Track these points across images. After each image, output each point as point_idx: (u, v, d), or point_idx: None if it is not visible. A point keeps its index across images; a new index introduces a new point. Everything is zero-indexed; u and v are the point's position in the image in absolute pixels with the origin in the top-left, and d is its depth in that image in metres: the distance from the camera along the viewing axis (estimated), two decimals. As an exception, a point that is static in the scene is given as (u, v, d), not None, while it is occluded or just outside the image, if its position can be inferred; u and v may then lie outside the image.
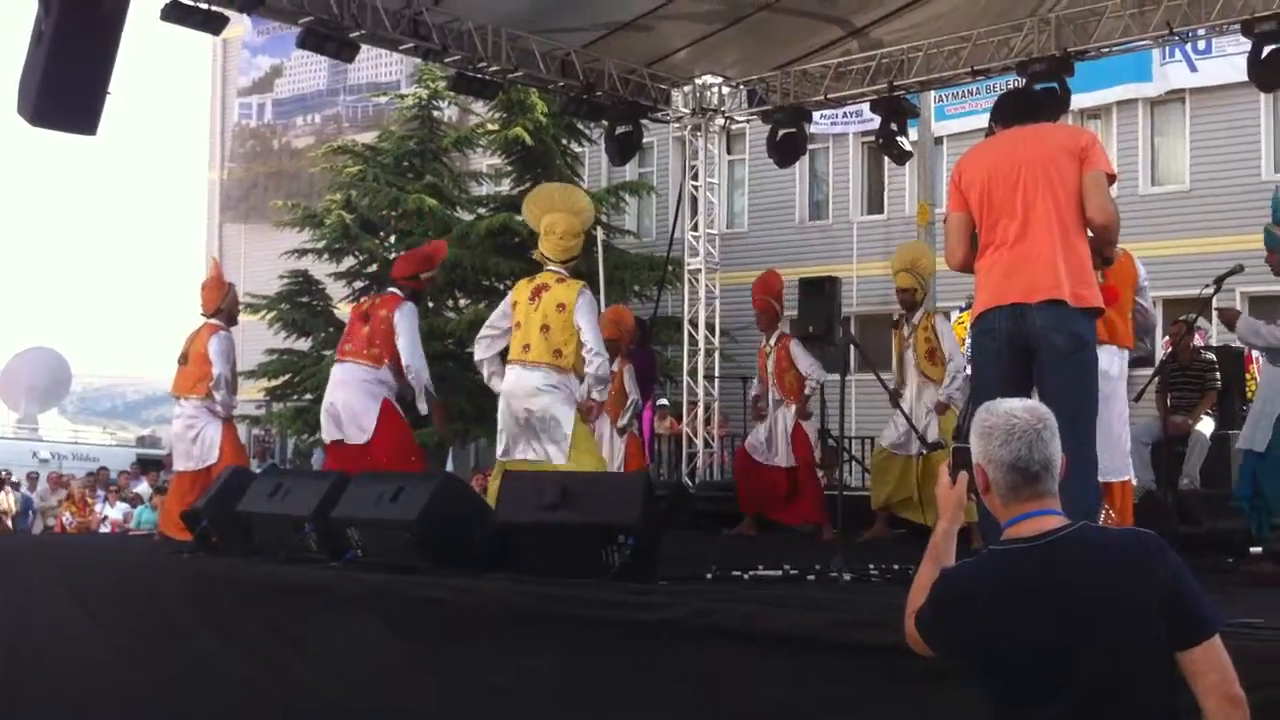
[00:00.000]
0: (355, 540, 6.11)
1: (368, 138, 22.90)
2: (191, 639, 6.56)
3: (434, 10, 10.41)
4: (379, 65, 26.51)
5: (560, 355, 6.76)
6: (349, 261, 20.82)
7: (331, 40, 10.02)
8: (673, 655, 4.85)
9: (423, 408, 7.69)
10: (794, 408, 9.23)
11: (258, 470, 9.92)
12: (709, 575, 5.85)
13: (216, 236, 31.67)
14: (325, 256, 20.79)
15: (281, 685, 6.04)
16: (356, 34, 10.09)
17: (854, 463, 12.06)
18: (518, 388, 6.77)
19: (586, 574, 5.39)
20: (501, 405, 6.90)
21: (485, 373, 7.14)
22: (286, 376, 21.01)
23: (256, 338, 23.18)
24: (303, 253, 20.98)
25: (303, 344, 21.08)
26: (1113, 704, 2.71)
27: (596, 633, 5.06)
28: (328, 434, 7.84)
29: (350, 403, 7.60)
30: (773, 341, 9.34)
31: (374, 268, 20.02)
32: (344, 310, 17.61)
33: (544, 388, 6.72)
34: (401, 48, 10.84)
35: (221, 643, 6.44)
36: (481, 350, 7.17)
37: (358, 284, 20.37)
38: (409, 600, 5.67)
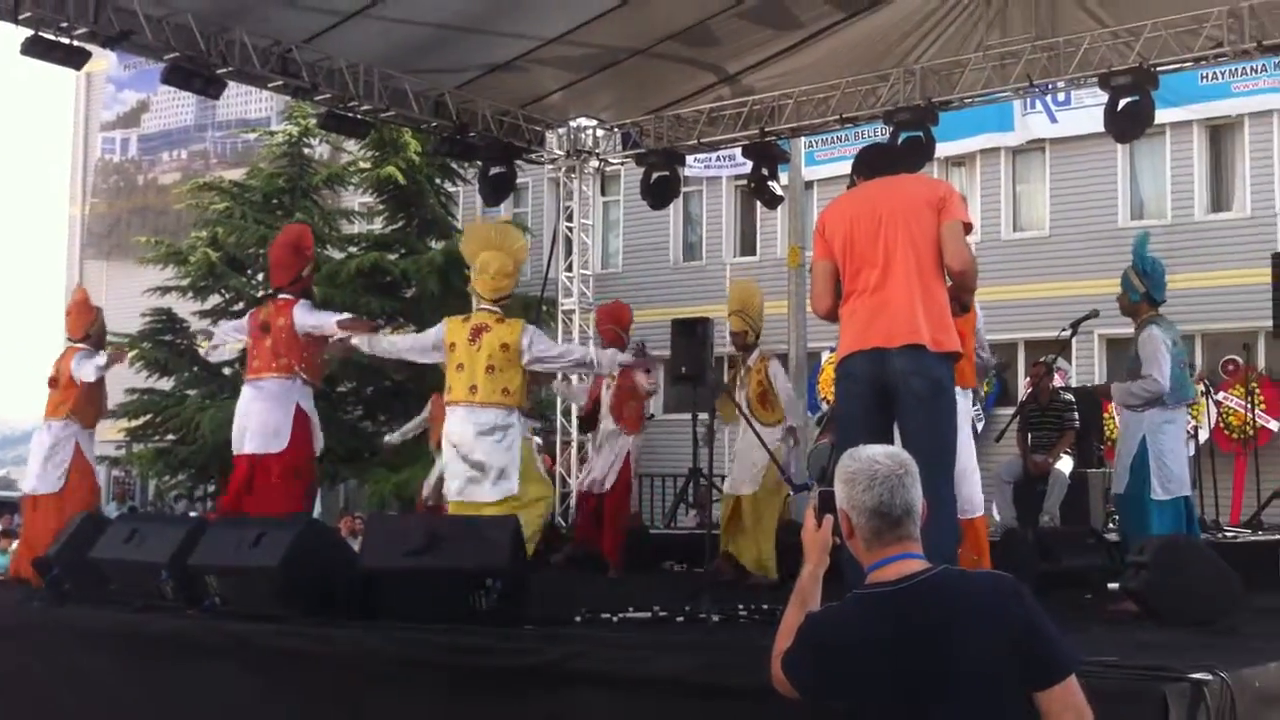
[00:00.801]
0: (213, 587, 5.95)
1: (236, 174, 22.51)
2: (44, 691, 6.30)
3: (304, 48, 10.30)
4: (249, 101, 26.11)
5: (508, 394, 6.80)
6: (214, 300, 20.39)
7: (198, 76, 9.88)
8: (541, 700, 4.80)
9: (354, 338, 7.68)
10: (631, 439, 9.28)
11: (116, 513, 9.67)
12: (578, 619, 5.82)
13: (77, 272, 30.81)
14: (190, 294, 20.33)
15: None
16: (224, 70, 9.95)
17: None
18: (467, 431, 6.73)
19: (454, 619, 5.32)
20: (449, 448, 6.85)
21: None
22: (148, 416, 20.46)
23: (118, 377, 22.47)
24: (166, 290, 20.51)
25: (165, 384, 20.53)
26: None
27: (464, 679, 4.98)
28: (239, 446, 7.76)
29: (265, 416, 7.62)
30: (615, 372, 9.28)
31: (240, 306, 19.63)
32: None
33: (496, 427, 6.74)
34: (270, 85, 10.71)
35: (75, 695, 6.20)
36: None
37: (222, 322, 19.94)
38: (270, 650, 5.52)
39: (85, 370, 8.35)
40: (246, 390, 7.86)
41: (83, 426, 8.49)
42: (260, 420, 7.65)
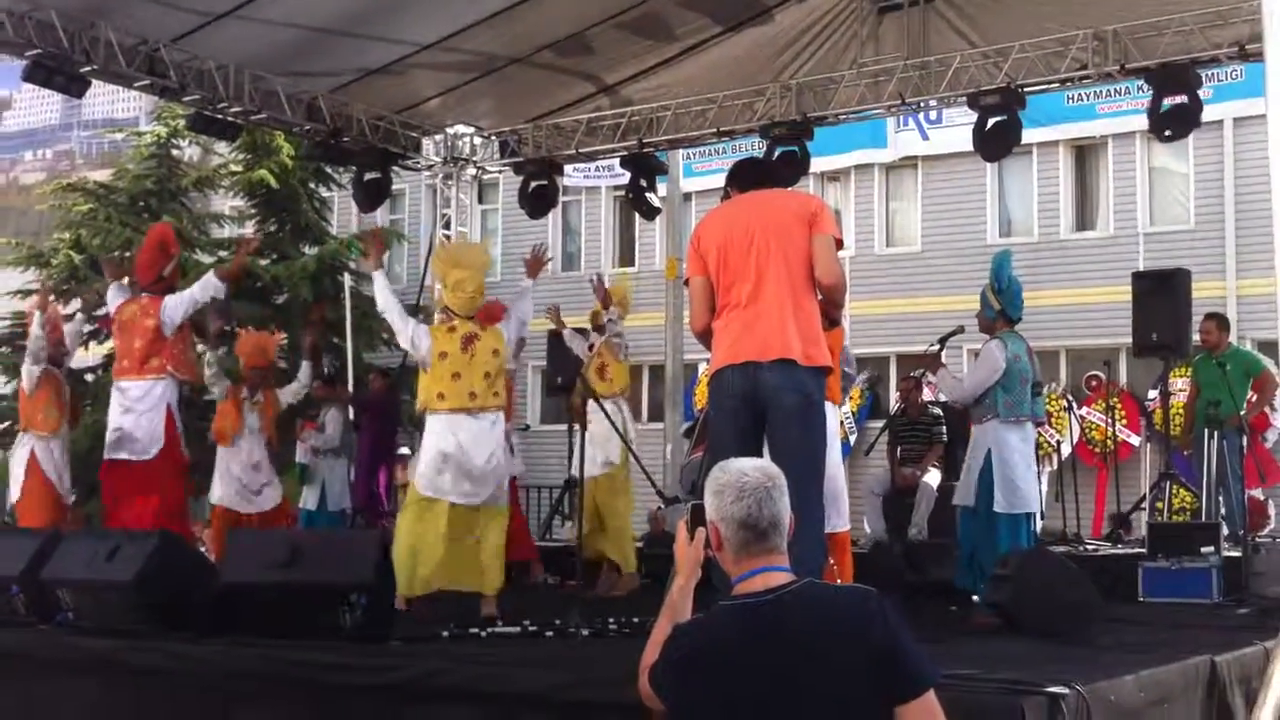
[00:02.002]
0: (66, 602, 5.75)
1: (103, 175, 21.95)
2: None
3: (172, 47, 10.04)
4: (116, 101, 25.48)
5: (498, 395, 7.15)
6: (77, 303, 19.81)
7: (61, 74, 9.58)
8: (408, 717, 4.72)
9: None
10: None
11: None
12: (445, 634, 5.74)
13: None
14: (51, 298, 19.69)
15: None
16: (88, 69, 9.67)
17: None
18: (471, 439, 6.92)
19: (318, 635, 5.21)
20: (446, 449, 6.90)
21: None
22: (6, 424, 19.77)
23: (-26, 383, 21.80)
24: (26, 293, 19.86)
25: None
26: None
27: (328, 696, 4.87)
28: (112, 452, 7.66)
29: (141, 423, 7.58)
30: None
31: (104, 311, 19.09)
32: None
33: (494, 435, 7.05)
34: (136, 85, 10.43)
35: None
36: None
37: (87, 328, 19.39)
38: (124, 665, 5.34)
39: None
40: (118, 393, 7.73)
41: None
42: (135, 426, 7.57)
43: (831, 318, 5.09)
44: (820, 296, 4.90)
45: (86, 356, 8.65)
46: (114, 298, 8.09)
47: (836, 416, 6.24)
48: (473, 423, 6.99)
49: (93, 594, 5.69)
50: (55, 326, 8.63)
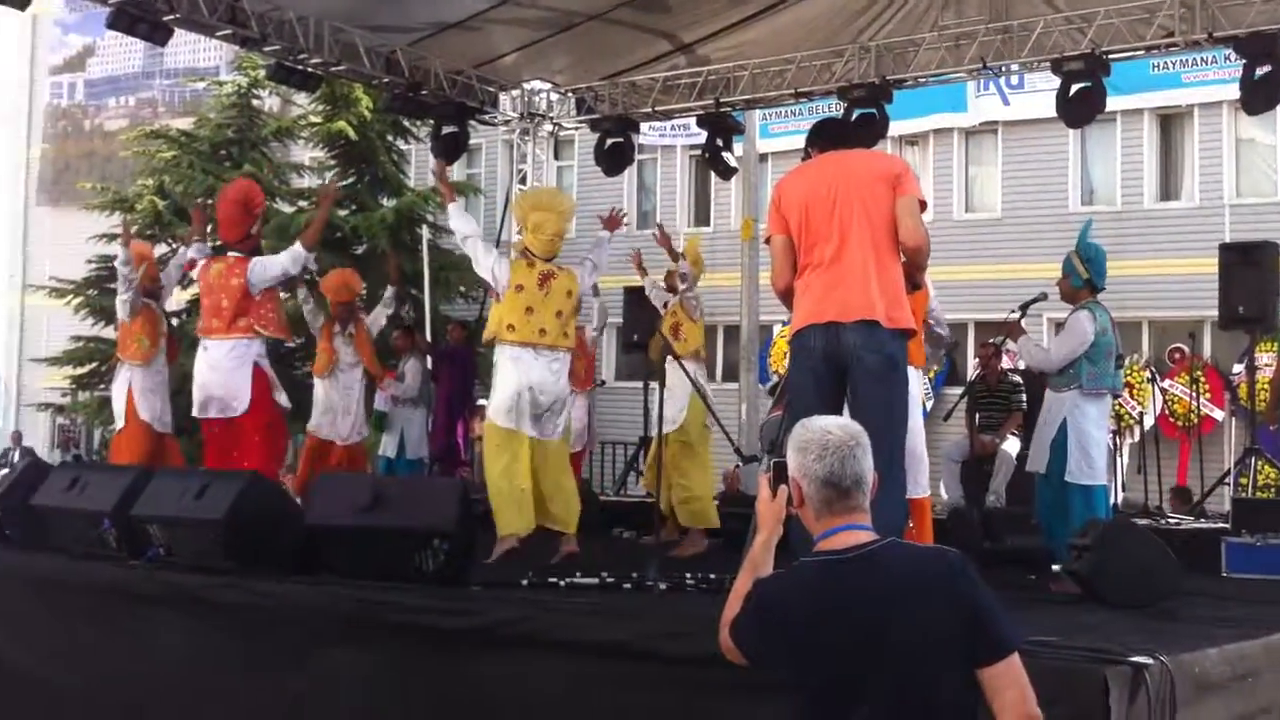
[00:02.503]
0: (157, 538, 5.89)
1: (184, 123, 22.20)
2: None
3: (253, -3, 10.12)
4: (197, 50, 25.66)
5: (567, 337, 7.31)
6: (161, 249, 20.11)
7: (144, 22, 9.65)
8: (484, 663, 4.81)
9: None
10: (585, 397, 9.56)
11: (61, 461, 9.60)
12: (524, 582, 5.81)
13: (21, 216, 30.32)
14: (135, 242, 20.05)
15: (79, 686, 5.79)
16: (170, 17, 9.73)
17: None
18: (541, 375, 7.13)
19: (398, 578, 5.30)
20: (519, 383, 7.08)
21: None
22: (93, 365, 20.21)
23: (62, 324, 22.26)
24: (112, 237, 20.21)
25: (110, 331, 20.25)
26: (911, 717, 2.77)
27: (406, 638, 4.98)
28: (200, 410, 7.78)
29: (226, 381, 7.66)
30: None
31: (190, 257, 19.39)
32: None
33: (561, 375, 7.26)
34: (218, 34, 10.49)
35: (13, 642, 6.14)
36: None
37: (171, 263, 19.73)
38: (213, 602, 5.49)
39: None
40: (204, 352, 7.80)
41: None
42: (220, 385, 7.65)
43: (914, 281, 5.05)
44: (903, 259, 4.88)
45: (182, 299, 8.86)
46: (196, 257, 8.19)
47: (919, 381, 6.20)
48: (541, 359, 7.14)
49: (182, 531, 5.82)
50: (149, 263, 8.72)
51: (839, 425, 3.00)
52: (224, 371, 7.68)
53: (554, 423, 7.25)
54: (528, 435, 7.10)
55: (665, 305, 8.86)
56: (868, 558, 2.87)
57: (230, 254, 7.94)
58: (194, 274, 8.16)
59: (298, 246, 7.96)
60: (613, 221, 7.91)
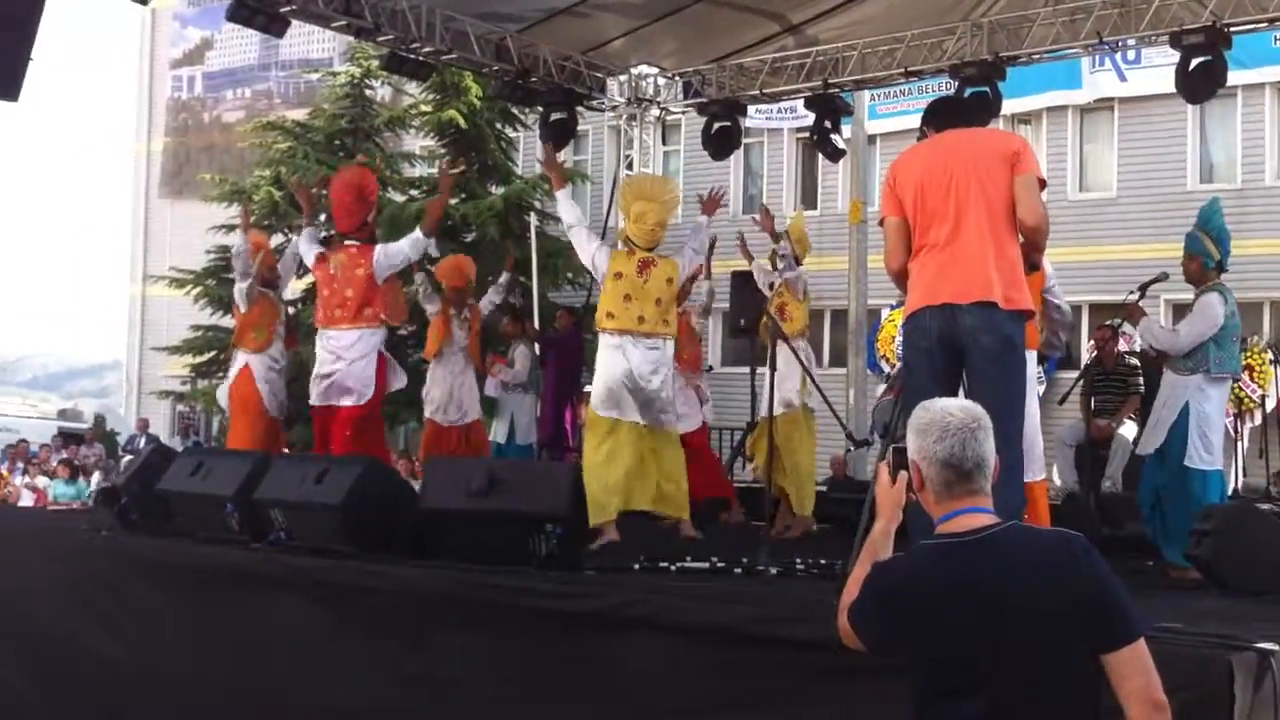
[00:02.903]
0: (279, 522, 6.03)
1: (299, 114, 22.62)
2: (106, 618, 6.44)
3: (368, -12, 10.28)
4: (311, 41, 26.16)
5: (667, 324, 7.35)
6: (277, 239, 20.53)
7: (261, 14, 9.87)
8: (596, 645, 4.85)
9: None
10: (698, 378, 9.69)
11: (182, 447, 9.86)
12: (636, 566, 5.85)
13: (142, 209, 31.14)
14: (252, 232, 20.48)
15: (202, 667, 5.96)
16: (288, 9, 9.93)
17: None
18: (640, 362, 7.20)
19: (512, 562, 5.37)
20: (618, 371, 7.18)
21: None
22: (212, 353, 20.71)
23: (182, 313, 22.85)
24: (230, 228, 20.65)
25: (228, 320, 20.75)
26: (1033, 702, 2.73)
27: (520, 621, 5.04)
28: (321, 399, 7.93)
29: (353, 371, 7.84)
30: None
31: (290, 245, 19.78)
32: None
33: (662, 361, 7.31)
34: (333, 25, 10.70)
35: (136, 622, 6.34)
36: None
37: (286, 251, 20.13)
38: (333, 585, 5.61)
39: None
40: (329, 340, 7.92)
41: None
42: (345, 375, 7.82)
43: (1032, 261, 4.92)
44: (1021, 239, 4.79)
45: (298, 287, 9.11)
46: (308, 247, 8.31)
47: (1034, 364, 6.07)
48: (641, 346, 7.20)
49: (302, 515, 5.95)
50: (266, 252, 8.86)
51: (960, 407, 2.95)
52: (349, 361, 7.81)
53: (660, 409, 7.29)
54: (630, 422, 7.16)
55: (771, 286, 8.83)
56: (989, 540, 2.83)
57: (349, 243, 8.06)
58: (310, 264, 8.27)
59: (418, 233, 8.12)
60: (711, 204, 7.93)
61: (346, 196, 8.19)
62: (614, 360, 7.19)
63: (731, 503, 9.48)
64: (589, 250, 7.39)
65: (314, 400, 8.00)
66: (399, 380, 8.19)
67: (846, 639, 3.10)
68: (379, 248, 8.02)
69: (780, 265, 8.69)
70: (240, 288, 8.54)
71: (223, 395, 8.77)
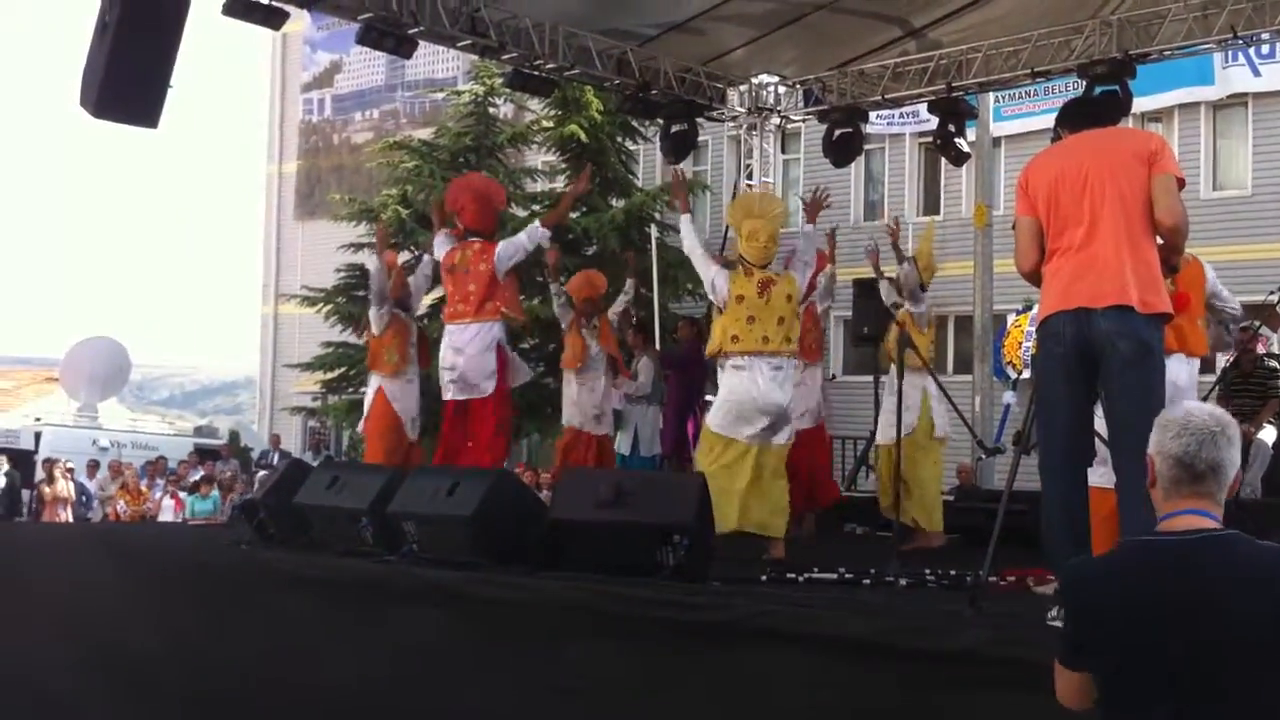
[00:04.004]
0: (411, 535, 6.14)
1: (425, 133, 23.02)
2: (245, 630, 6.61)
3: (491, 7, 10.45)
4: (436, 62, 26.63)
5: (790, 341, 7.39)
6: (404, 256, 20.90)
7: (390, 36, 10.09)
8: (723, 656, 4.85)
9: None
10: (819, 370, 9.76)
11: (314, 461, 10.09)
12: (763, 577, 5.84)
13: (274, 229, 31.95)
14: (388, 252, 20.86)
15: (334, 679, 6.08)
16: (415, 30, 10.15)
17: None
18: (766, 384, 7.25)
19: (640, 573, 5.40)
20: (743, 394, 7.26)
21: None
22: (342, 369, 21.15)
23: (313, 331, 23.39)
24: (359, 247, 21.12)
25: (358, 338, 21.23)
26: (1222, 716, 2.61)
27: (649, 632, 5.06)
28: (450, 394, 8.17)
29: (473, 364, 8.04)
30: None
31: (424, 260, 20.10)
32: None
33: (785, 380, 7.37)
34: (459, 45, 10.90)
35: (275, 634, 6.49)
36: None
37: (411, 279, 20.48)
38: (465, 596, 5.68)
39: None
40: (452, 335, 8.14)
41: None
42: (466, 368, 8.02)
43: (1170, 264, 4.78)
44: (1159, 240, 4.67)
45: (427, 301, 9.39)
46: (440, 246, 8.51)
47: (1190, 369, 5.88)
48: (766, 367, 7.23)
49: (434, 527, 6.05)
50: (398, 270, 9.08)
51: (1206, 410, 2.85)
52: (470, 355, 8.03)
53: (778, 429, 7.33)
54: (745, 442, 7.21)
55: (894, 306, 8.77)
56: (1203, 545, 2.70)
57: (474, 239, 8.27)
58: (440, 258, 8.46)
59: (535, 223, 8.36)
60: (814, 208, 7.95)
61: (476, 200, 8.44)
62: (741, 383, 7.25)
63: (814, 513, 9.35)
64: (708, 275, 7.49)
65: (446, 395, 8.22)
66: (522, 375, 8.42)
67: (1060, 689, 2.91)
68: (500, 243, 8.26)
69: (905, 299, 8.66)
70: (375, 311, 8.71)
71: (361, 425, 9.02)
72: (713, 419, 7.35)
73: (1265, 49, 16.24)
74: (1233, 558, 2.69)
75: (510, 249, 8.21)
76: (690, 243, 7.72)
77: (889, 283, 9.08)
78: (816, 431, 9.51)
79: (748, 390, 7.20)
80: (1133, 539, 2.87)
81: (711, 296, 7.54)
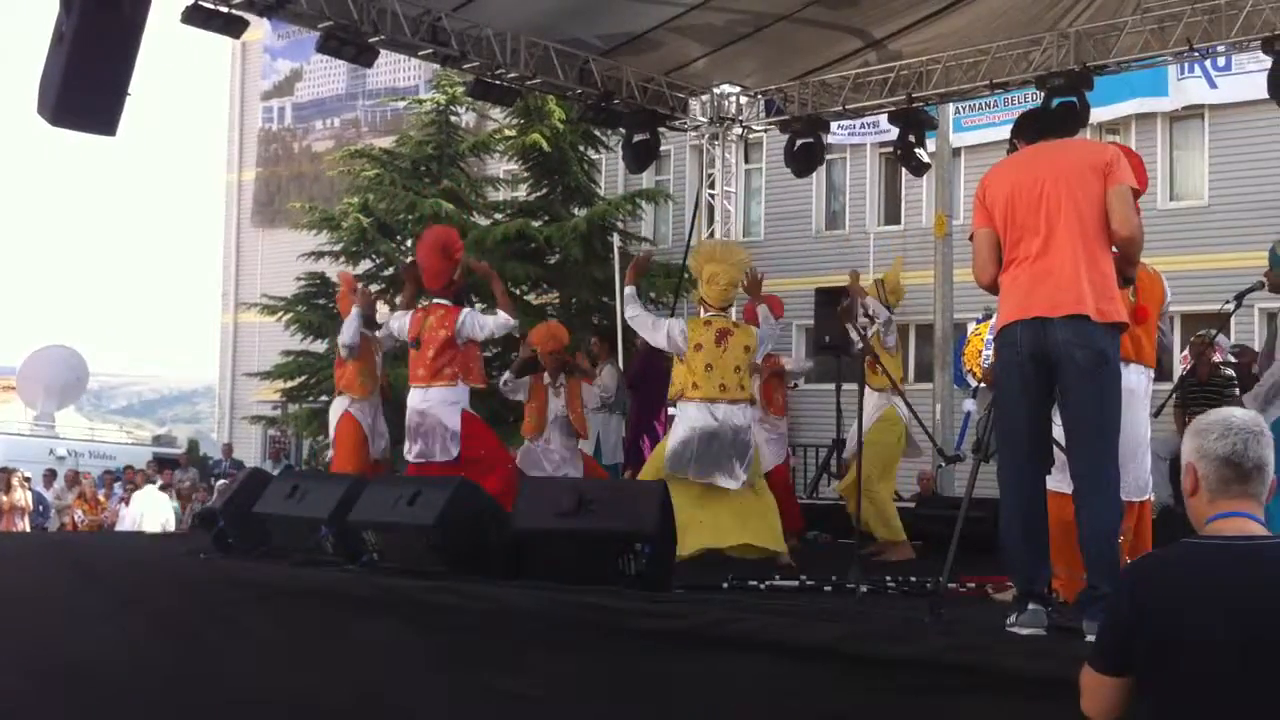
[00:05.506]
0: (371, 544, 6.12)
1: (386, 142, 22.95)
2: (205, 640, 6.56)
3: (453, 16, 10.44)
4: (398, 70, 26.55)
5: (744, 389, 7.59)
6: (365, 264, 20.86)
7: (351, 45, 10.07)
8: (686, 664, 4.84)
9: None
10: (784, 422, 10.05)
11: (273, 470, 10.03)
12: (724, 585, 5.85)
13: (234, 237, 31.76)
14: (342, 259, 20.81)
15: (295, 689, 6.04)
16: (376, 39, 10.13)
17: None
18: (724, 425, 7.40)
19: (602, 581, 5.39)
20: (698, 432, 7.39)
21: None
22: (302, 378, 21.04)
23: (272, 339, 23.25)
24: (320, 255, 21.02)
25: (319, 346, 21.09)
26: None
27: (611, 641, 5.05)
28: (413, 454, 8.11)
29: (434, 427, 7.99)
30: None
31: (390, 271, 20.06)
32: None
33: (746, 424, 7.54)
34: (420, 53, 10.89)
35: (235, 645, 6.44)
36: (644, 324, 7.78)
37: (374, 287, 20.42)
38: (425, 605, 5.65)
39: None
40: (414, 399, 8.12)
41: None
42: (429, 431, 7.98)
43: (1125, 275, 4.83)
44: (1115, 250, 4.72)
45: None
46: (396, 320, 8.49)
47: (1148, 379, 5.94)
48: (722, 410, 7.41)
49: (395, 536, 6.03)
50: (363, 291, 9.12)
51: (1243, 412, 2.86)
52: (430, 419, 7.99)
53: (735, 472, 7.42)
54: (695, 481, 7.33)
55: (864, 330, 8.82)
56: (1256, 551, 2.70)
57: (439, 302, 8.22)
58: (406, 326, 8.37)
59: (504, 316, 8.16)
60: (753, 286, 8.12)
61: (433, 257, 8.34)
62: (692, 425, 7.40)
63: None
64: (662, 330, 7.62)
65: (407, 456, 8.18)
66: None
67: (1089, 698, 2.89)
68: (465, 312, 8.18)
69: (870, 319, 8.76)
70: (347, 343, 8.72)
71: (332, 434, 9.00)
72: (668, 459, 7.42)
73: (1221, 62, 16.42)
74: None
75: (474, 328, 8.12)
76: (633, 309, 7.83)
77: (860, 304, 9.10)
78: (779, 470, 9.63)
79: (700, 431, 7.36)
80: (1188, 540, 2.82)
81: (668, 348, 7.66)
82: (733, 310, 8.16)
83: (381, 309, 10.75)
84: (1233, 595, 2.65)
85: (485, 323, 8.18)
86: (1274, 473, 2.84)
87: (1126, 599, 2.81)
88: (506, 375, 9.69)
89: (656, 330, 7.63)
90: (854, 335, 8.71)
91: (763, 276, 8.44)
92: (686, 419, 7.44)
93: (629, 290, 7.98)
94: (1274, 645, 2.60)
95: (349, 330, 8.70)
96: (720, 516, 7.31)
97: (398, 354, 9.85)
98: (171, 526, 16.01)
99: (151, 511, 16.14)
